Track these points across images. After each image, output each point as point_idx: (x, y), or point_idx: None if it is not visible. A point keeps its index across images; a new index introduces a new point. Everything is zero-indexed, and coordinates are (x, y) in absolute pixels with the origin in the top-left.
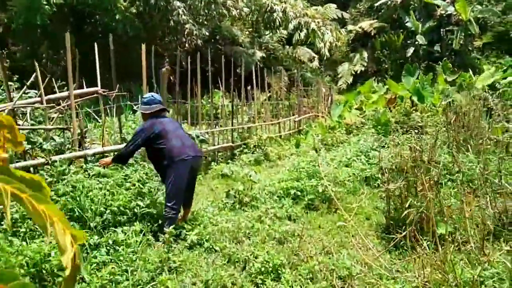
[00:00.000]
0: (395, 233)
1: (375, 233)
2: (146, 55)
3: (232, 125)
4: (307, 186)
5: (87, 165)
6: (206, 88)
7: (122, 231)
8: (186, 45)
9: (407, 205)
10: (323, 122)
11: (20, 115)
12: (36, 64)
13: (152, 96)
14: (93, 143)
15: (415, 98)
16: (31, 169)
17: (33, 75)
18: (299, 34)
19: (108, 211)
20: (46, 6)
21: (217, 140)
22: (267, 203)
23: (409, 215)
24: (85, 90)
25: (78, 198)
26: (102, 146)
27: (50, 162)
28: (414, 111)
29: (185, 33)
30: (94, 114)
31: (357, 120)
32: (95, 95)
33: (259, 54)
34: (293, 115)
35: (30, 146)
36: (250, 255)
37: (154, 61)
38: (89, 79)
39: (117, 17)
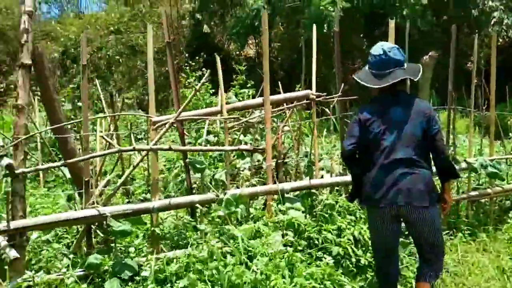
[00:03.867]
0: None
1: None
2: None
3: None
4: None
5: (279, 206)
6: None
7: None
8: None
9: None
10: None
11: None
12: (218, 58)
13: (383, 51)
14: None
15: None
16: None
17: (206, 74)
18: None
19: None
20: (333, 13)
21: None
22: None
23: None
24: (288, 94)
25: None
26: (310, 178)
27: (218, 199)
28: None
29: (492, 23)
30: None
31: None
32: (304, 101)
33: None
34: None
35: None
36: None
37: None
38: None
39: (404, 13)
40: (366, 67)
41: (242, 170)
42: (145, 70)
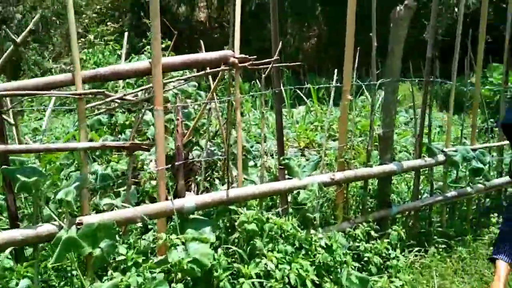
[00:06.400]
0: None
1: None
2: None
3: None
4: None
5: (172, 237)
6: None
7: None
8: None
9: None
10: None
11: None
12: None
13: None
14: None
15: None
16: None
17: None
18: None
19: None
20: None
21: None
22: None
23: None
24: (192, 56)
25: None
26: (229, 185)
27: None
28: None
29: None
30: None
31: None
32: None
33: None
34: None
35: None
36: None
37: None
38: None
39: None
40: None
41: (147, 164)
42: (86, 33)
